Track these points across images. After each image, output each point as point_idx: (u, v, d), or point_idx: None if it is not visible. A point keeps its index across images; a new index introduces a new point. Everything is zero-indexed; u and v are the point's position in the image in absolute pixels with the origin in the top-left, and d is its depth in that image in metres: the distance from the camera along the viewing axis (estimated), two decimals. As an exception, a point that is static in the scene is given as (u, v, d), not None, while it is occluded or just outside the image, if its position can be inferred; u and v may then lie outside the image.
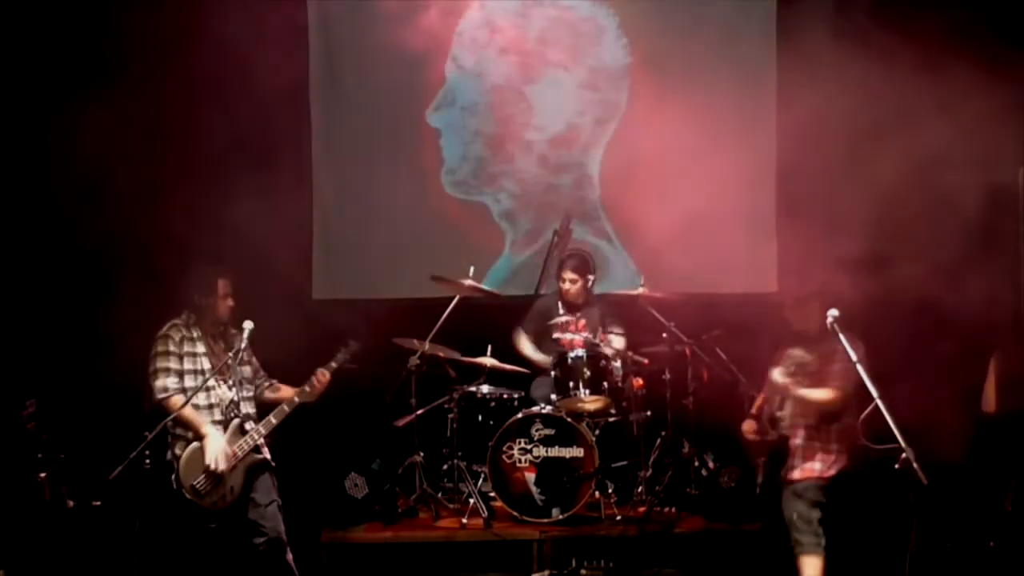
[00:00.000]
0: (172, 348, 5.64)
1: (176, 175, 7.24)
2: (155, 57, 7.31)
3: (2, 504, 5.94)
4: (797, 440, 5.62)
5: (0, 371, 6.58)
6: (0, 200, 7.17)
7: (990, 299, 7.04)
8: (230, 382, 5.68)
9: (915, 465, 4.63)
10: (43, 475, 5.77)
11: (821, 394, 5.58)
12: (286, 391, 5.85)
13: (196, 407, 5.60)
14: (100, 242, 7.15)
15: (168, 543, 5.82)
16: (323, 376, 5.80)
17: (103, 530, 6.01)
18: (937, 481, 4.77)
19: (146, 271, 7.07)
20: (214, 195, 7.08)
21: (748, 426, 5.83)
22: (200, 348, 5.68)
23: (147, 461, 5.23)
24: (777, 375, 5.60)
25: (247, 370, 5.80)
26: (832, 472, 5.54)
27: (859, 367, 4.98)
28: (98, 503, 5.94)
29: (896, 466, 4.67)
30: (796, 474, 5.58)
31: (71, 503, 5.92)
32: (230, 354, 5.63)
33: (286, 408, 5.72)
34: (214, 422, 5.62)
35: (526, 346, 7.24)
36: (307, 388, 5.77)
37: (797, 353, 5.72)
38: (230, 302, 5.76)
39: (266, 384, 5.90)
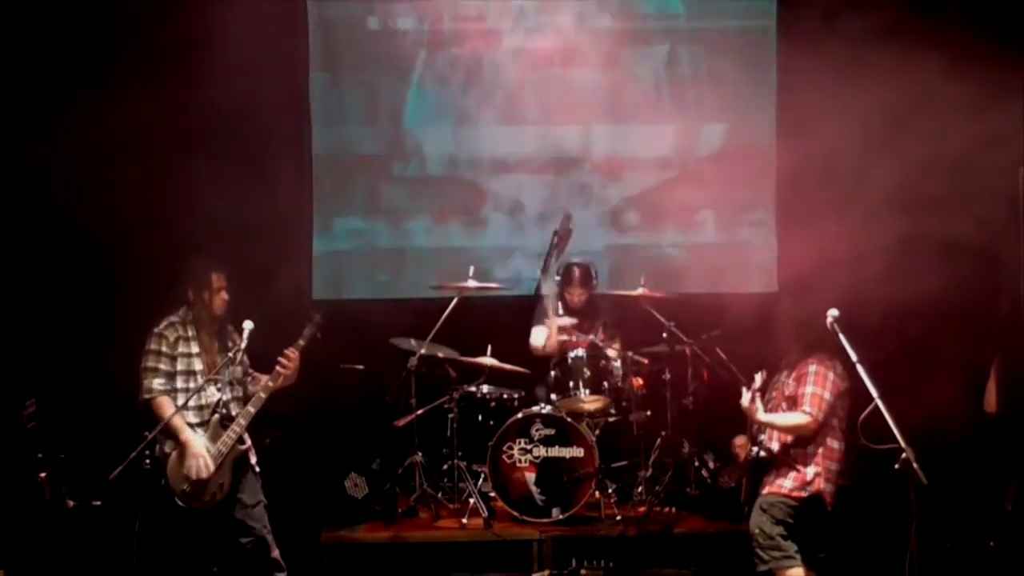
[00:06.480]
0: (164, 348, 5.59)
1: (176, 175, 7.23)
2: (155, 56, 7.29)
3: (2, 504, 5.93)
4: (774, 456, 5.54)
5: (0, 371, 6.58)
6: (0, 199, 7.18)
7: (991, 300, 7.06)
8: (219, 384, 5.64)
9: (915, 465, 4.62)
10: (43, 475, 5.76)
11: (787, 419, 5.47)
12: (262, 379, 5.76)
13: (184, 409, 5.54)
14: (100, 242, 7.14)
15: (168, 543, 5.82)
16: (291, 355, 5.65)
17: (103, 530, 6.01)
18: (937, 481, 4.77)
19: (146, 271, 7.06)
20: (214, 195, 7.07)
21: (740, 441, 5.77)
22: (194, 348, 5.64)
23: (147, 461, 5.22)
24: (744, 399, 5.47)
25: (238, 371, 5.75)
26: (804, 494, 5.43)
27: (859, 367, 4.95)
28: (98, 503, 5.92)
29: (896, 466, 4.66)
30: (765, 488, 5.52)
31: (71, 503, 5.90)
32: (229, 355, 5.61)
33: (262, 395, 5.63)
34: (198, 424, 5.61)
35: (539, 337, 7.21)
36: (278, 370, 5.64)
37: (783, 375, 5.66)
38: (225, 296, 5.68)
39: (249, 380, 5.82)
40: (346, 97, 7.92)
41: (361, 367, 7.06)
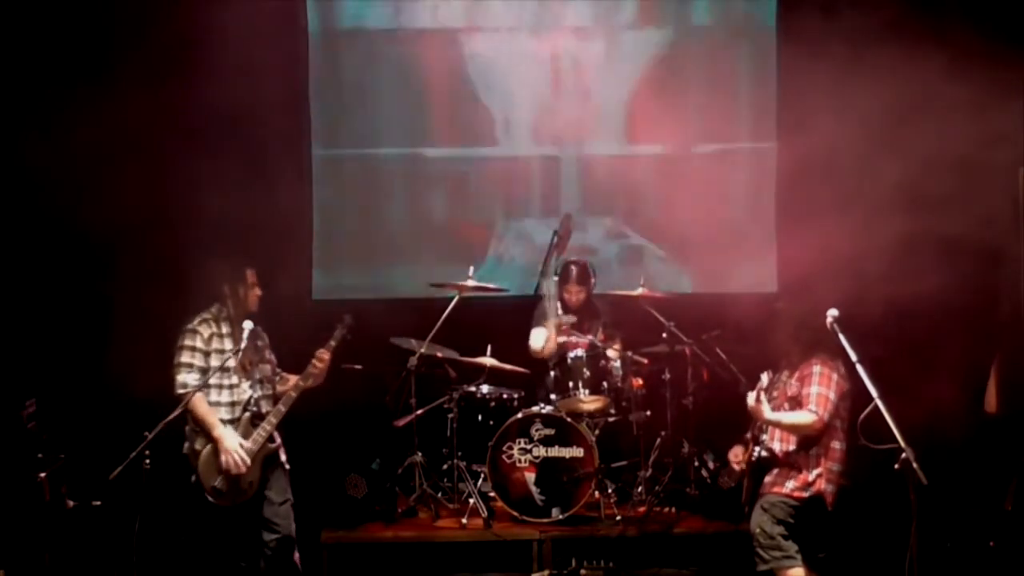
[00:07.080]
0: (199, 344, 5.59)
1: (176, 175, 7.24)
2: (155, 56, 7.29)
3: (2, 504, 5.93)
4: (775, 456, 5.54)
5: (0, 371, 6.58)
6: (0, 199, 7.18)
7: (991, 300, 7.05)
8: (251, 381, 5.67)
9: (915, 465, 4.62)
10: (43, 475, 5.75)
11: (793, 418, 5.45)
12: (292, 379, 5.82)
13: (217, 405, 5.59)
14: (100, 242, 7.14)
15: (168, 542, 5.83)
16: (323, 356, 5.74)
17: (103, 530, 6.01)
18: (937, 481, 4.76)
19: (146, 271, 7.08)
20: (214, 195, 7.07)
21: (734, 454, 5.76)
22: (228, 345, 5.64)
23: (147, 461, 5.22)
24: (750, 399, 5.45)
25: (267, 369, 5.79)
26: (805, 494, 5.44)
27: (859, 367, 4.95)
28: (98, 503, 5.92)
29: (896, 466, 4.65)
30: (767, 488, 5.52)
31: (71, 503, 5.90)
32: (229, 353, 5.60)
33: (293, 394, 5.68)
34: (230, 420, 5.62)
35: (538, 340, 7.20)
36: (310, 371, 5.73)
37: (784, 375, 5.65)
38: (258, 292, 5.73)
39: (277, 379, 5.88)
40: (346, 96, 7.91)
41: (361, 367, 7.06)
